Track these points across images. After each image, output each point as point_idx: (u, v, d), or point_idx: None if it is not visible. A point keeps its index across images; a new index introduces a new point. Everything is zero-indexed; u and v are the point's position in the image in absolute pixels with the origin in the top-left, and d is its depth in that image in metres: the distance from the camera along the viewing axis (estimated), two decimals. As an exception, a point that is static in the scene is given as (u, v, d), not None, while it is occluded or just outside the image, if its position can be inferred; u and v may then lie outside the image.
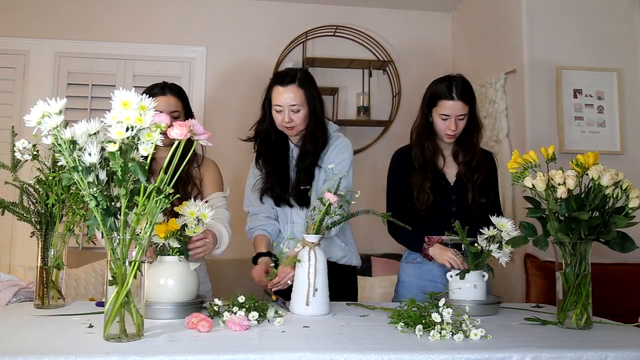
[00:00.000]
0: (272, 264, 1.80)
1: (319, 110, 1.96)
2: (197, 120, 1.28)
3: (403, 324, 1.29)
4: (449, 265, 1.73)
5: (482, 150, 2.05)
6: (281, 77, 1.93)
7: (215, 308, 1.40)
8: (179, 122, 1.20)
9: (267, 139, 2.02)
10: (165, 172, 1.19)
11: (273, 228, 2.01)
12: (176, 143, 1.20)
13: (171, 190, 1.20)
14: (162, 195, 1.16)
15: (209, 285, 2.03)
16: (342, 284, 1.99)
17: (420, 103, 2.05)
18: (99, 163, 1.14)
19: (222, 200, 1.98)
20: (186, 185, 1.93)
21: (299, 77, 1.92)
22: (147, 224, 1.18)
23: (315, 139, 1.95)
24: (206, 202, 1.89)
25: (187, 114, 1.99)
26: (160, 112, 1.93)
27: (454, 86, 1.92)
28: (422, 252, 1.90)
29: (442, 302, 1.30)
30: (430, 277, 1.96)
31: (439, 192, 1.96)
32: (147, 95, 1.93)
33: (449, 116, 1.92)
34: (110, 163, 1.13)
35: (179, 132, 1.17)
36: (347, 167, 1.94)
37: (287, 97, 1.88)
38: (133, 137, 1.13)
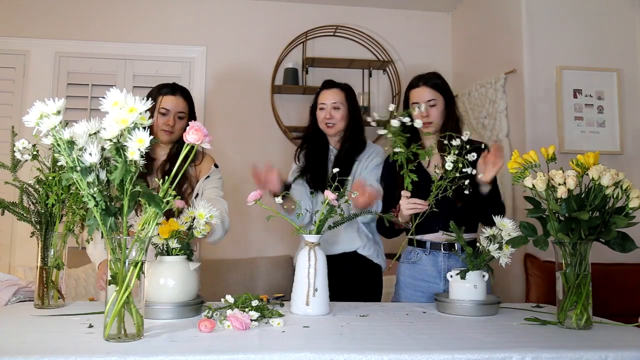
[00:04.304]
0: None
1: (357, 115, 2.25)
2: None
3: None
4: (413, 211, 1.79)
5: (471, 142, 2.04)
6: (328, 83, 2.28)
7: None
8: (195, 126, 1.20)
9: (311, 137, 2.28)
10: (166, 175, 1.20)
11: (306, 205, 2.11)
12: (187, 148, 1.21)
13: (173, 193, 1.20)
14: (163, 204, 1.16)
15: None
16: (367, 280, 2.13)
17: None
18: (99, 163, 1.14)
19: (216, 191, 2.00)
20: (182, 185, 1.96)
21: (342, 84, 2.28)
22: (147, 224, 1.18)
23: (353, 138, 2.21)
24: (196, 195, 1.98)
25: (191, 116, 2.04)
26: (167, 109, 1.96)
27: (421, 77, 2.06)
28: (399, 220, 1.88)
29: None
30: (424, 277, 1.97)
31: (424, 189, 1.96)
32: (156, 93, 1.95)
33: (417, 103, 2.00)
34: (111, 168, 1.13)
35: (195, 137, 1.19)
36: (379, 176, 2.16)
37: (330, 97, 2.21)
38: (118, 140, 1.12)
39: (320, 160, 2.23)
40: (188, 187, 1.99)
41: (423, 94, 2.01)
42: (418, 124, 1.82)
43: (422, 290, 1.97)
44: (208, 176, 2.03)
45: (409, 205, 1.81)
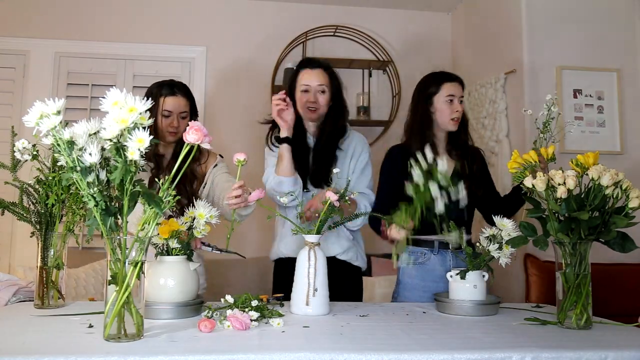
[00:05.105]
0: None
1: (341, 97, 2.08)
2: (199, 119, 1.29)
3: None
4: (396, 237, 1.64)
5: (470, 147, 2.09)
6: (310, 62, 2.08)
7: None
8: (195, 126, 1.20)
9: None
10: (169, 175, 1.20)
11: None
12: (187, 147, 1.22)
13: (173, 193, 1.21)
14: (163, 205, 1.16)
15: (204, 284, 2.04)
16: (346, 283, 2.01)
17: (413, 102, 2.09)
18: (99, 163, 1.14)
19: (228, 176, 2.00)
20: (192, 183, 1.96)
21: (324, 63, 2.07)
22: (148, 224, 1.18)
23: (335, 121, 2.04)
24: (204, 185, 1.98)
25: (193, 112, 2.03)
26: (170, 111, 1.94)
27: (449, 72, 2.07)
28: (382, 235, 1.80)
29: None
30: (433, 278, 1.95)
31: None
32: (156, 93, 1.92)
33: (454, 96, 1.98)
34: (111, 168, 1.14)
35: (195, 137, 1.20)
36: (370, 171, 2.09)
37: (314, 78, 2.00)
38: (119, 140, 1.13)
39: (298, 152, 1.99)
40: (198, 185, 1.99)
41: (458, 90, 2.02)
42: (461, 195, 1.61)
43: (431, 291, 1.90)
44: (216, 165, 2.04)
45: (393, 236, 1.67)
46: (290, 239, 1.98)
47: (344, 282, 1.98)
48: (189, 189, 1.92)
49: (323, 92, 2.00)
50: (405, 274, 2.02)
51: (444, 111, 1.98)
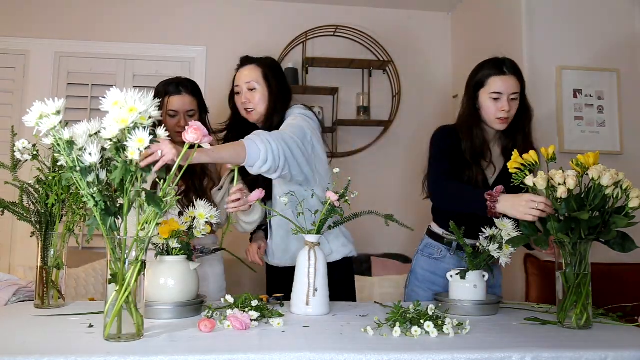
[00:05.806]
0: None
1: (283, 92, 1.89)
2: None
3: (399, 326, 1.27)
4: (535, 216, 1.46)
5: None
6: (242, 60, 1.94)
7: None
8: (194, 125, 1.21)
9: (235, 129, 1.97)
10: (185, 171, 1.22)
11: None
12: (187, 147, 1.22)
13: (173, 193, 1.21)
14: (163, 205, 1.16)
15: (224, 284, 2.02)
16: (337, 279, 1.94)
17: (458, 95, 2.04)
18: (100, 163, 1.15)
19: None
20: (202, 180, 1.93)
21: (260, 58, 1.92)
22: (148, 224, 1.18)
23: (270, 119, 1.86)
24: (220, 187, 1.96)
25: (202, 110, 2.01)
26: (176, 111, 1.91)
27: (504, 62, 1.82)
28: (488, 212, 1.61)
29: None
30: (444, 275, 1.90)
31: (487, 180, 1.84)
32: (163, 93, 1.87)
33: (500, 94, 1.78)
34: (111, 168, 1.14)
35: (194, 136, 1.20)
36: (294, 122, 1.77)
37: (243, 75, 1.88)
38: (119, 140, 1.13)
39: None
40: (209, 182, 1.95)
41: (509, 85, 1.78)
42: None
43: (440, 287, 1.89)
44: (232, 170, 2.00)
45: (527, 213, 1.47)
46: (277, 248, 1.95)
47: (335, 279, 1.91)
48: (197, 185, 1.89)
49: (253, 89, 1.89)
50: (418, 265, 2.00)
51: (488, 109, 1.80)
